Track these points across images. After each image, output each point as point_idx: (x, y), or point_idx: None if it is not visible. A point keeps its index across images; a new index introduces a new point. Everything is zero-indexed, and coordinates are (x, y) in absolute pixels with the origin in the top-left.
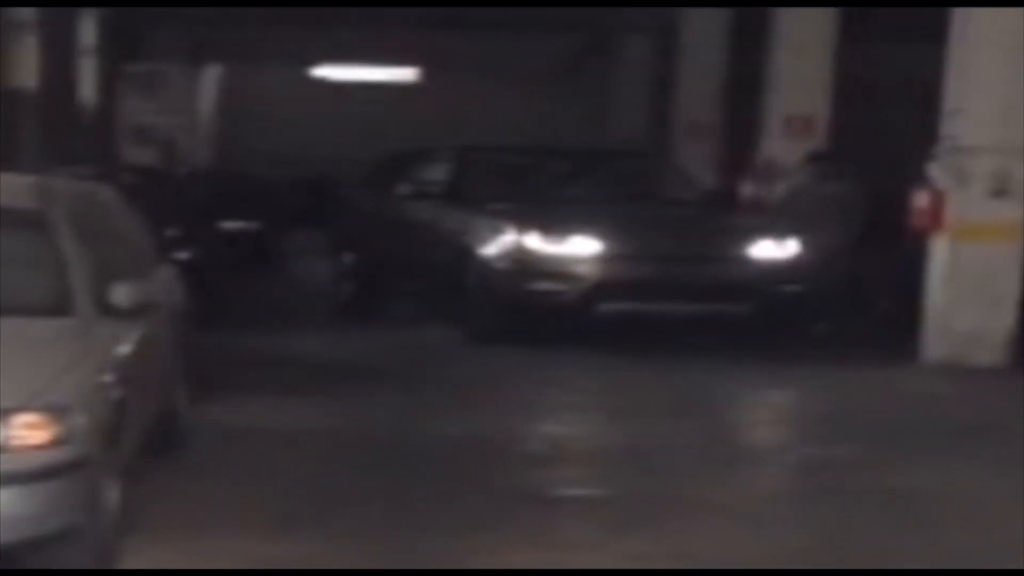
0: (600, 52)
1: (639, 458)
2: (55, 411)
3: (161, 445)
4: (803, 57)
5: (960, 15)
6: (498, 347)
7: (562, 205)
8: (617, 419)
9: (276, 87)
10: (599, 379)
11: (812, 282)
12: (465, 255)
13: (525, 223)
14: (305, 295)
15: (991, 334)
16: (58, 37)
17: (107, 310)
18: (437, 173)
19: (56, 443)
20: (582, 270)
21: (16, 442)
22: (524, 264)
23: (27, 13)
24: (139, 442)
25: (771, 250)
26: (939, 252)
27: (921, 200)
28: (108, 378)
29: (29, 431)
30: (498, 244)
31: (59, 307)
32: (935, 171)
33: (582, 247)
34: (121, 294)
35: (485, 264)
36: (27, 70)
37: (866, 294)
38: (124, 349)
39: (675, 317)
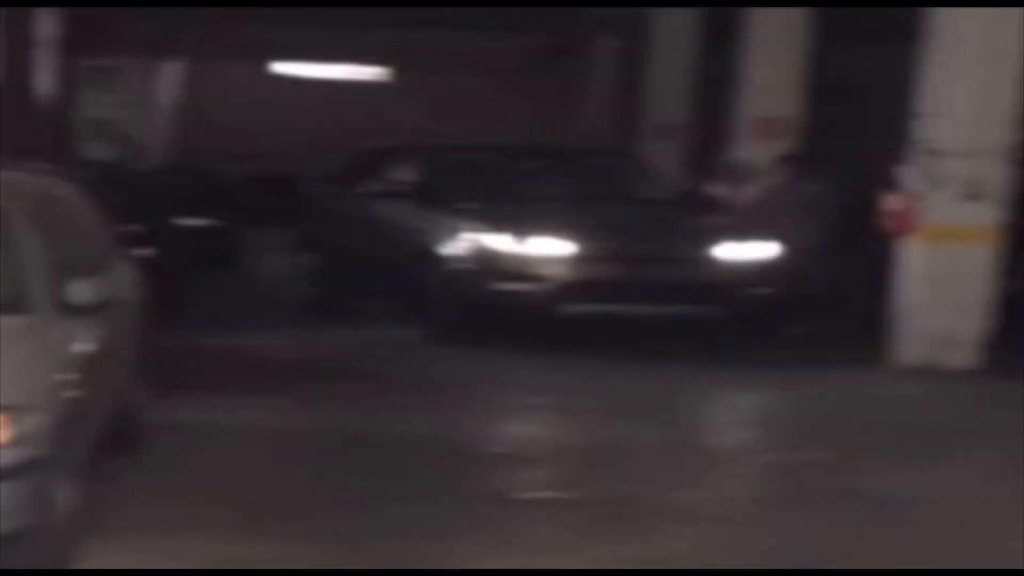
0: (568, 51)
1: (608, 460)
2: (11, 411)
3: (122, 444)
4: (774, 57)
5: (934, 17)
6: (463, 348)
7: (528, 204)
8: (585, 421)
9: (240, 83)
10: (566, 381)
11: (784, 284)
12: (429, 254)
13: (489, 222)
14: (270, 293)
15: (963, 337)
16: (17, 30)
17: (65, 308)
18: (403, 172)
19: (12, 443)
20: (547, 270)
21: None
22: (488, 264)
23: None
24: (98, 441)
25: (742, 251)
26: (912, 255)
27: (893, 202)
28: (66, 377)
29: None
30: (462, 244)
31: (16, 304)
32: (909, 173)
33: (548, 247)
34: (79, 292)
35: (449, 264)
36: None
37: (839, 296)
38: (82, 348)
39: (643, 319)
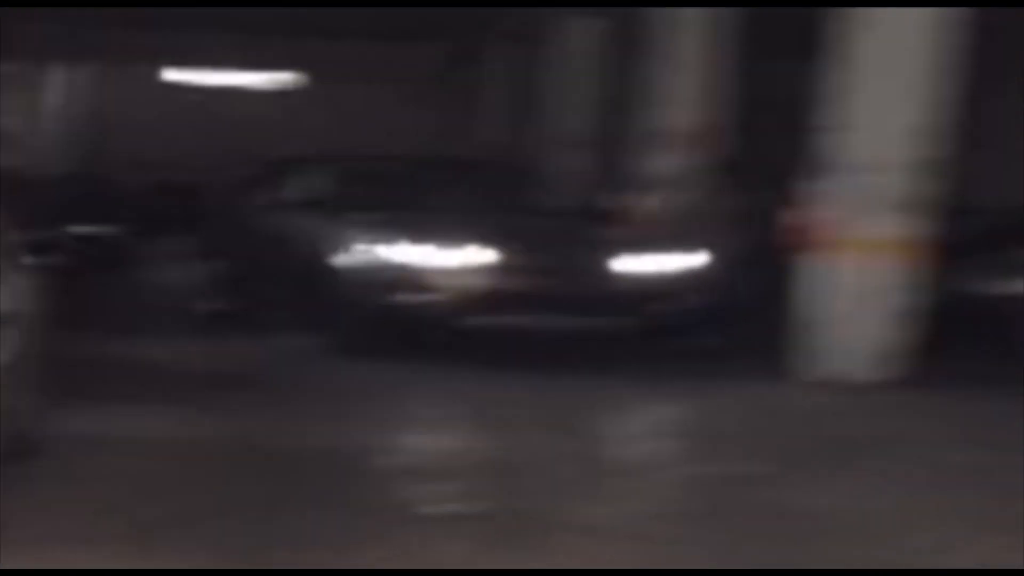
0: (474, 61)
1: (514, 474)
2: None
3: (15, 455)
4: (683, 69)
5: (841, 32)
6: (364, 359)
7: (431, 215)
8: (489, 433)
9: (139, 91)
10: (469, 393)
11: (696, 296)
12: (330, 265)
13: (390, 233)
14: (170, 302)
15: (877, 350)
16: None
17: None
18: (306, 182)
19: None
20: (449, 282)
21: None
22: (387, 275)
23: None
24: None
25: (650, 263)
26: (823, 267)
27: (804, 216)
28: None
29: None
30: (363, 254)
31: None
32: (821, 187)
33: (449, 258)
34: None
35: (349, 274)
36: None
37: (752, 308)
38: None
39: (549, 332)
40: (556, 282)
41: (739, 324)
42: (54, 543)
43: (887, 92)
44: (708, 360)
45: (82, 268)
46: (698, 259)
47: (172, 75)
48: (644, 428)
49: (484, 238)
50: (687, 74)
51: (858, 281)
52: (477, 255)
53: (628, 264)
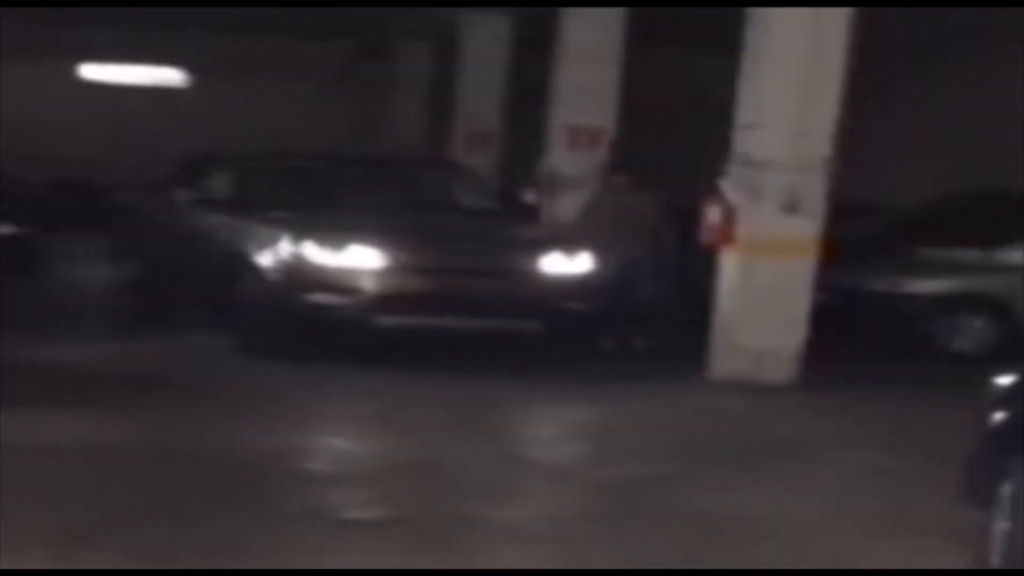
0: (377, 58)
1: (432, 477)
2: None
3: None
4: (589, 67)
5: (752, 30)
6: (277, 359)
7: (345, 214)
8: (404, 436)
9: (38, 87)
10: (383, 395)
11: (602, 298)
12: (240, 264)
13: (301, 232)
14: (79, 303)
15: (781, 351)
16: None
17: None
18: (220, 179)
19: None
20: (360, 282)
21: None
22: (300, 275)
23: None
24: None
25: (561, 264)
26: (730, 267)
27: (712, 215)
28: None
29: None
30: (273, 253)
31: None
32: (727, 186)
33: (361, 258)
34: None
35: (260, 274)
36: None
37: (661, 309)
38: None
39: (459, 332)
40: (467, 283)
41: (648, 325)
42: None
43: (780, 90)
44: (615, 361)
45: None
46: (603, 259)
47: (76, 72)
48: (556, 430)
49: (397, 238)
50: (589, 71)
51: (762, 280)
52: (389, 255)
53: (540, 264)
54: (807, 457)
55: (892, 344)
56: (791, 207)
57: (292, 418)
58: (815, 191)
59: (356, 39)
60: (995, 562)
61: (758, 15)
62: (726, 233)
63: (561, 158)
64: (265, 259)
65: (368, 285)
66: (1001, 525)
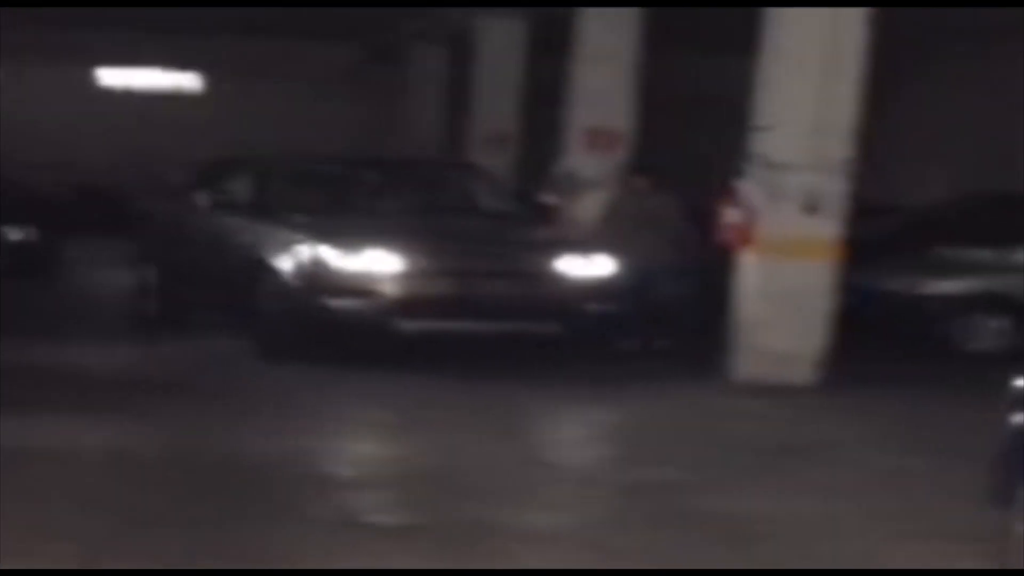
0: (390, 60)
1: (455, 481)
2: None
3: None
4: (606, 68)
5: (769, 30)
6: (297, 363)
7: (365, 217)
8: (425, 439)
9: (56, 92)
10: (403, 398)
11: (622, 300)
12: (261, 269)
13: (321, 236)
14: (97, 307)
15: (802, 352)
16: None
17: None
18: (239, 183)
19: None
20: (381, 286)
21: None
22: (320, 279)
23: None
24: None
25: (580, 266)
26: (750, 269)
27: (731, 216)
28: None
29: None
30: (294, 258)
31: None
32: (746, 187)
33: (381, 262)
34: None
35: (279, 278)
36: None
37: (683, 311)
38: None
39: (480, 336)
40: (487, 286)
41: (669, 327)
42: None
43: (799, 91)
44: (636, 363)
45: (7, 273)
46: (624, 261)
47: (93, 76)
48: (578, 432)
49: (417, 241)
50: (606, 72)
51: (782, 282)
52: (409, 259)
53: (560, 267)
54: (829, 459)
55: (909, 344)
56: (811, 208)
57: (312, 422)
58: (835, 192)
59: (370, 41)
60: (1017, 562)
61: (775, 15)
62: (745, 234)
63: (579, 160)
64: (284, 263)
65: (387, 289)
66: (1022, 526)
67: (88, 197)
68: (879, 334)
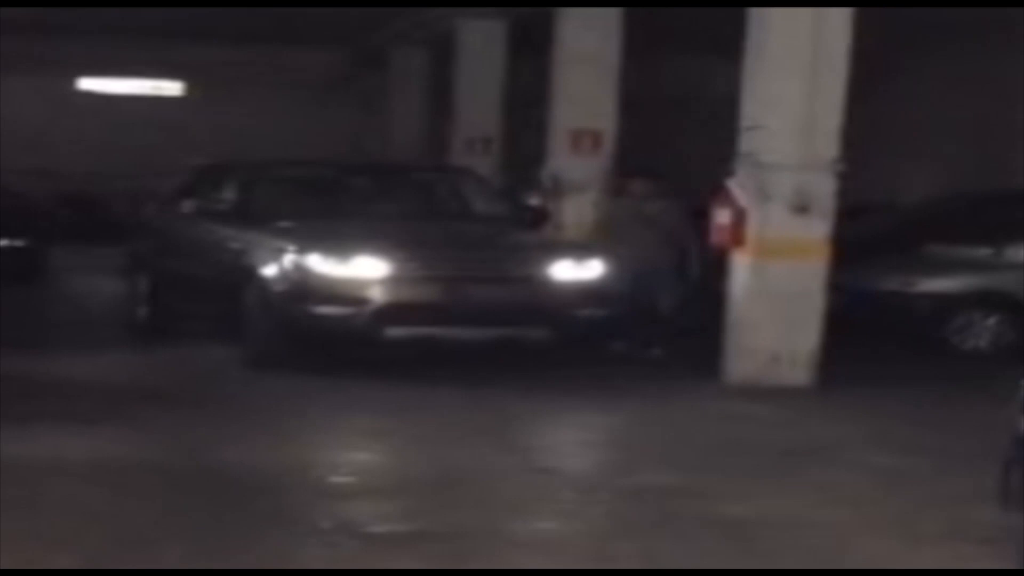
0: (372, 64)
1: (455, 489)
2: None
3: None
4: (588, 69)
5: (754, 30)
6: (284, 373)
7: (351, 223)
8: (423, 447)
9: (38, 100)
10: (397, 406)
11: (615, 304)
12: (247, 276)
13: (306, 242)
14: (84, 315)
15: (796, 353)
16: None
17: None
18: (227, 189)
19: None
20: (368, 293)
21: None
22: (306, 286)
23: None
24: None
25: (572, 270)
26: (742, 269)
27: (721, 216)
28: None
29: None
30: (279, 265)
31: None
32: (735, 187)
33: (367, 268)
34: None
35: (266, 286)
36: None
37: (676, 313)
38: None
39: (470, 342)
40: (476, 291)
41: (665, 332)
42: None
43: (786, 90)
44: (631, 367)
45: None
46: (620, 266)
47: (75, 84)
48: (576, 438)
49: (404, 247)
50: (588, 73)
51: (774, 282)
52: (395, 265)
53: (549, 271)
54: (831, 461)
55: (903, 344)
56: (802, 207)
57: (307, 431)
58: (825, 191)
59: (352, 46)
60: None
61: (759, 15)
62: (736, 235)
63: (564, 162)
64: (270, 270)
65: (374, 295)
66: None
67: (72, 205)
68: (872, 333)
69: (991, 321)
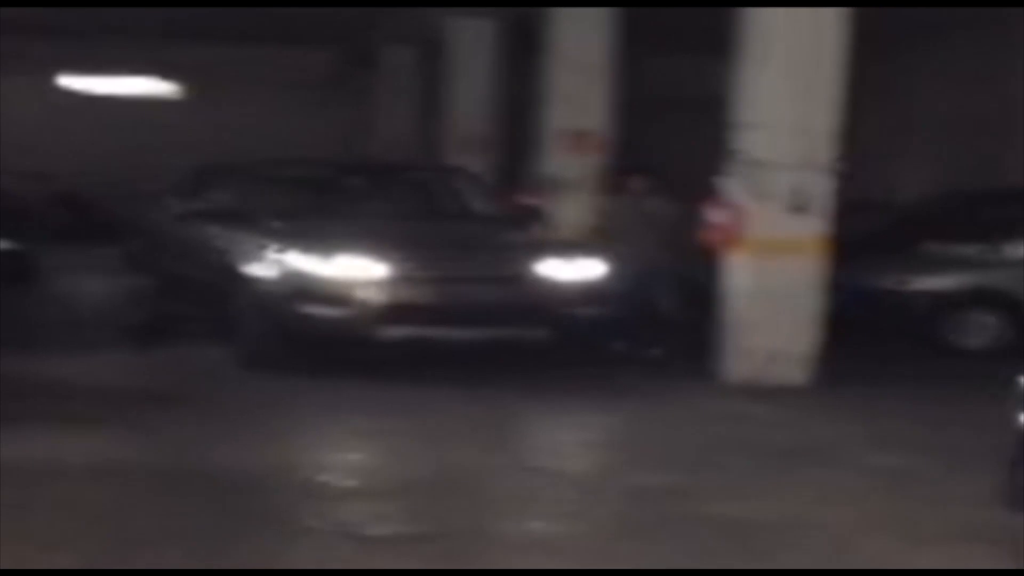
0: (365, 64)
1: (453, 491)
2: None
3: None
4: (580, 69)
5: (748, 29)
6: (277, 374)
7: (344, 223)
8: (418, 448)
9: (27, 100)
10: (393, 407)
11: (614, 304)
12: (239, 277)
13: (298, 242)
14: (80, 317)
15: (793, 352)
16: None
17: None
18: (220, 189)
19: None
20: (361, 293)
21: None
22: (298, 287)
23: None
24: None
25: (569, 270)
26: (738, 269)
27: (716, 215)
28: None
29: None
30: (271, 265)
31: None
32: (731, 186)
33: (361, 268)
34: None
35: (258, 286)
36: None
37: (675, 312)
38: None
39: (465, 343)
40: (470, 291)
41: (663, 332)
42: None
43: (781, 89)
44: (628, 367)
45: None
46: (619, 265)
47: (64, 84)
48: (574, 438)
49: (397, 247)
50: (582, 73)
51: (771, 281)
52: (389, 265)
53: (545, 271)
54: (831, 460)
55: (899, 342)
56: (799, 207)
57: (302, 432)
58: (822, 190)
59: (343, 46)
60: None
61: (753, 14)
62: (731, 234)
63: (558, 161)
64: (262, 271)
65: (367, 296)
66: None
67: (66, 206)
68: (869, 332)
69: (988, 319)
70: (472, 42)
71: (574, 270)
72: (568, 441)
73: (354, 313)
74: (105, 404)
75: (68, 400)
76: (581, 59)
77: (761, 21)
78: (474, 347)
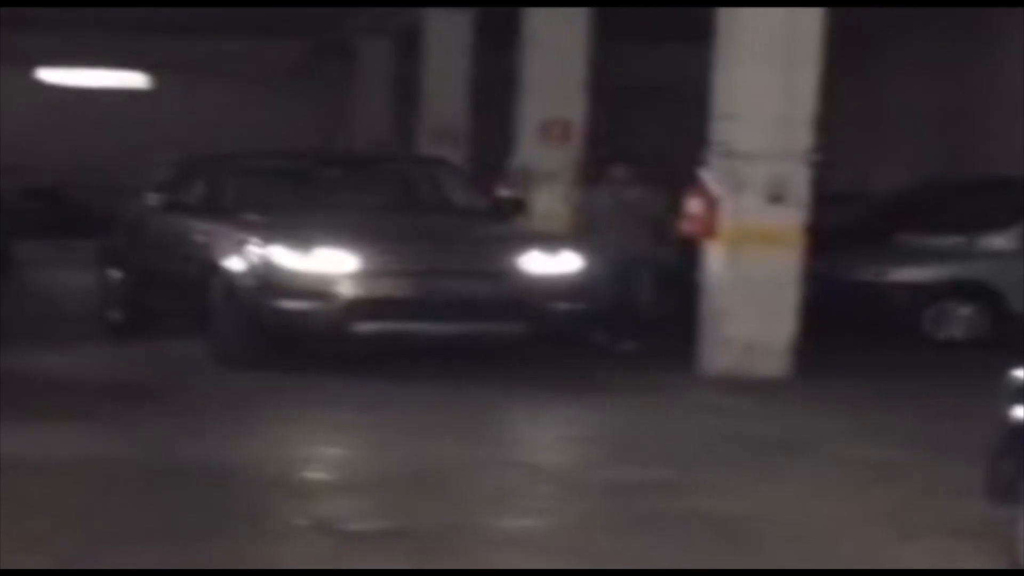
0: (339, 55)
1: (432, 486)
2: None
3: None
4: (556, 59)
5: (726, 18)
6: (254, 369)
7: (324, 215)
8: (398, 443)
9: (2, 93)
10: (371, 402)
11: (592, 297)
12: (212, 270)
13: (271, 236)
14: (56, 311)
15: (771, 343)
16: None
17: None
18: (196, 182)
19: None
20: (335, 287)
21: None
22: (271, 280)
23: None
24: None
25: (547, 263)
26: (716, 259)
27: (694, 205)
28: None
29: None
30: (244, 259)
31: None
32: (708, 176)
33: (335, 262)
34: None
35: (231, 280)
36: None
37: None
38: None
39: (441, 337)
40: (447, 285)
41: (643, 324)
42: None
43: (759, 79)
44: (607, 360)
45: None
46: (597, 256)
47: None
48: (554, 433)
49: (373, 240)
50: (557, 63)
51: (749, 272)
52: (364, 258)
53: (524, 264)
54: (813, 454)
55: (877, 333)
56: (776, 197)
57: (281, 427)
58: (799, 180)
59: (318, 37)
60: (1022, 561)
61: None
62: (708, 225)
63: (533, 152)
64: (235, 264)
65: (342, 289)
66: None
67: (41, 199)
68: (847, 323)
69: (965, 310)
70: (447, 33)
71: (552, 263)
72: (546, 436)
73: (329, 307)
74: (80, 399)
75: (42, 395)
76: (557, 49)
77: (737, 13)
78: (452, 341)
